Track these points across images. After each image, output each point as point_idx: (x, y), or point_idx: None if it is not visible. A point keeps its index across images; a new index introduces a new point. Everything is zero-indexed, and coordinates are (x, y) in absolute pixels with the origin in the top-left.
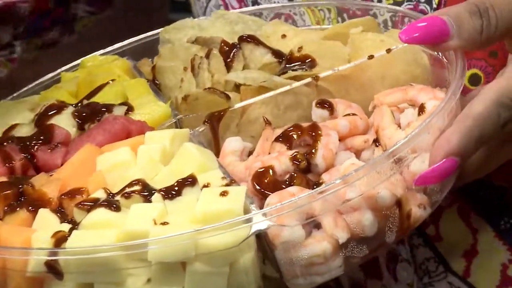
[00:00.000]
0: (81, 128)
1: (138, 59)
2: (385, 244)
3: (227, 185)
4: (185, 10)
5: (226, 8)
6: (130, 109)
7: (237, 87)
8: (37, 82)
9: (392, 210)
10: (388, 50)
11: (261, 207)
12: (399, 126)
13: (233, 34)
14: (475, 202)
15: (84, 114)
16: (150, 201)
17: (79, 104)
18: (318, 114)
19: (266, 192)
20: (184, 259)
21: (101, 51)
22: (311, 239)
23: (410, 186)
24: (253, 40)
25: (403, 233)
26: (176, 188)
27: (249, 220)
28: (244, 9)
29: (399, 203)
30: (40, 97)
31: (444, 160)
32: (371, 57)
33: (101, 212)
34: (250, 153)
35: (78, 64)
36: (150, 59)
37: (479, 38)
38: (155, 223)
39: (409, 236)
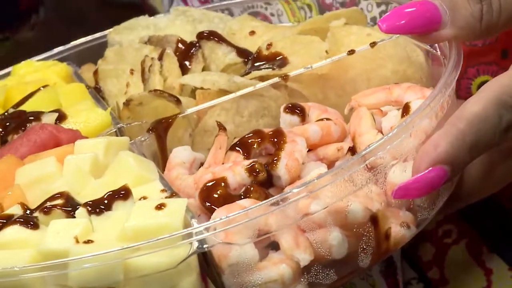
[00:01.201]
0: (3, 140)
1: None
2: (358, 269)
3: (166, 198)
4: None
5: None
6: (62, 117)
7: (195, 92)
8: None
9: (366, 228)
10: (373, 44)
11: None
12: (381, 132)
13: (196, 34)
14: (487, 235)
15: (7, 124)
16: (73, 217)
17: (5, 114)
18: (287, 120)
19: (216, 208)
20: (112, 284)
21: (39, 57)
22: (266, 262)
23: (391, 200)
24: (214, 37)
25: (380, 256)
26: (106, 202)
27: (188, 236)
28: (210, 5)
29: (374, 219)
30: None
31: (430, 169)
32: (351, 52)
33: (14, 230)
34: (201, 165)
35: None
36: (96, 65)
37: (478, 25)
38: (77, 241)
39: (407, 282)
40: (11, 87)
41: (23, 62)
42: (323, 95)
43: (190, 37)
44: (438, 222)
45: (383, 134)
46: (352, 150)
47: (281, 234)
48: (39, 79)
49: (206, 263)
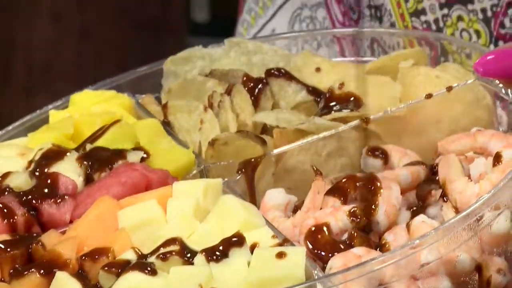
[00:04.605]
0: (88, 177)
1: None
2: None
3: (279, 245)
4: (207, 34)
5: (332, 22)
6: (145, 156)
7: (264, 129)
8: (20, 121)
9: (471, 276)
10: (449, 88)
11: None
12: (469, 178)
13: (250, 66)
14: None
15: (92, 160)
16: (191, 264)
17: (82, 149)
18: (369, 163)
19: (323, 253)
20: None
21: (92, 86)
22: None
23: (489, 248)
24: (283, 74)
25: None
26: (221, 249)
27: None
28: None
29: (479, 268)
30: (28, 139)
31: None
32: (429, 96)
33: (135, 277)
34: (295, 208)
35: (67, 101)
36: (154, 95)
37: None
38: None
39: None
40: (79, 120)
41: (79, 92)
42: (397, 136)
43: (245, 69)
44: None
45: (472, 181)
46: (443, 197)
47: (395, 283)
48: (104, 111)
49: None
